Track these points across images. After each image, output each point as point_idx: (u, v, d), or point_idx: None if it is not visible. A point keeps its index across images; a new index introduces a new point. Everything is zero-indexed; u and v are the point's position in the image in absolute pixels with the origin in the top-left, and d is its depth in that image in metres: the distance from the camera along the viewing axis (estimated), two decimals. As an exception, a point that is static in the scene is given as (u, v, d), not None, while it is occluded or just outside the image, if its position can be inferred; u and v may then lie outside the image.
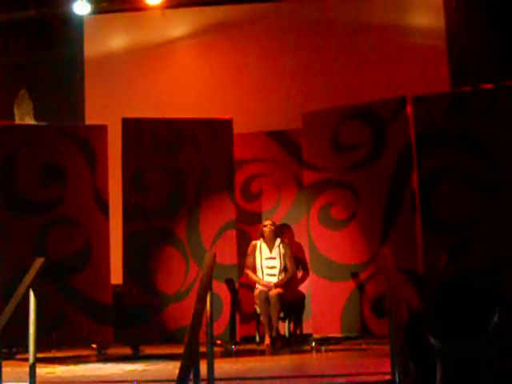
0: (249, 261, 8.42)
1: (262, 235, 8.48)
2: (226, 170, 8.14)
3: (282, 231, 8.61)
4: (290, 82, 10.12)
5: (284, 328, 8.31)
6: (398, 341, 4.87)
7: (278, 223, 8.69)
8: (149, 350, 8.11)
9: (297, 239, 8.74)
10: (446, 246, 7.12)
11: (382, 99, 8.10)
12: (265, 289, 8.16)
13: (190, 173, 8.08)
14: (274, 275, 8.33)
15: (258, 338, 8.39)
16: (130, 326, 7.81)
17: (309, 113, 8.34)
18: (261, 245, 8.45)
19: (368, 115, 8.03)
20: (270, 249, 8.41)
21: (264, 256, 8.39)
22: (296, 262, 8.54)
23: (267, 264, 8.35)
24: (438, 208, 7.36)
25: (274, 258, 8.37)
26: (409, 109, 7.78)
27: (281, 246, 8.41)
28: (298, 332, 8.48)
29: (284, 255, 8.37)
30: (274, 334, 8.02)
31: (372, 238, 7.74)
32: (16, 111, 10.00)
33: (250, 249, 8.46)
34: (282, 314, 8.16)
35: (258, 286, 8.28)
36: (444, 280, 1.73)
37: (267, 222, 8.50)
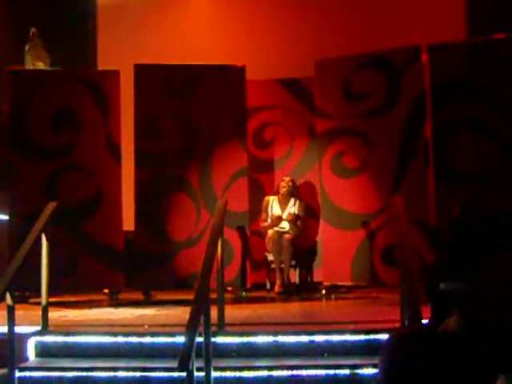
0: (262, 216, 8.42)
1: (277, 192, 8.46)
2: (238, 118, 8.10)
3: (298, 190, 8.56)
4: (304, 28, 9.99)
5: (295, 275, 8.36)
6: (409, 289, 4.89)
7: (290, 170, 8.68)
8: (160, 296, 8.18)
9: (308, 187, 8.72)
10: (460, 197, 7.08)
11: (396, 47, 7.98)
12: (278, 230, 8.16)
13: (202, 120, 8.05)
14: (285, 227, 8.33)
15: (268, 285, 8.45)
16: (142, 271, 7.87)
17: (322, 60, 8.25)
18: (273, 203, 8.42)
19: (382, 63, 7.93)
20: (283, 209, 8.39)
21: (276, 213, 8.36)
22: (307, 210, 8.55)
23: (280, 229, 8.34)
24: (452, 159, 7.31)
25: (285, 220, 8.34)
26: (424, 57, 7.67)
27: (294, 207, 8.37)
28: (309, 280, 8.53)
29: (296, 215, 8.34)
30: (285, 279, 8.06)
31: (383, 188, 7.71)
32: (27, 56, 9.92)
33: (263, 204, 8.45)
34: (293, 262, 8.20)
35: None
36: (460, 228, 1.75)
37: (286, 179, 8.46)
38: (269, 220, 8.38)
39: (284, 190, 8.39)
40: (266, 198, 8.51)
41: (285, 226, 8.30)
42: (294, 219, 8.31)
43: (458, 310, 1.74)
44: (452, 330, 1.76)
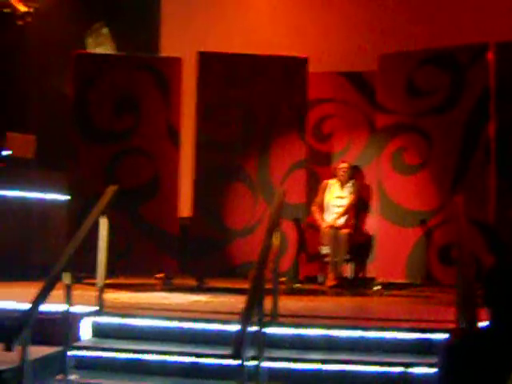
0: (318, 197, 8.40)
1: (334, 174, 8.45)
2: (298, 109, 8.07)
3: (354, 173, 8.55)
4: (369, 22, 9.91)
5: (348, 270, 8.31)
6: (465, 290, 4.82)
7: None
8: (213, 283, 8.22)
9: (366, 182, 8.66)
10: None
11: (462, 44, 7.87)
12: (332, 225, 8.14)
13: (262, 110, 8.05)
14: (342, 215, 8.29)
15: (321, 279, 8.43)
16: (196, 258, 7.91)
17: (386, 55, 8.16)
18: (333, 183, 8.43)
19: (447, 60, 7.82)
20: (342, 187, 8.38)
21: (334, 194, 8.37)
22: (362, 204, 8.51)
23: (336, 203, 8.33)
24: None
25: (343, 198, 8.33)
26: (490, 55, 7.54)
27: (353, 186, 8.37)
28: (362, 275, 8.47)
29: (353, 194, 8.35)
30: (338, 274, 8.03)
31: (442, 186, 7.62)
32: (89, 41, 10.06)
33: (321, 186, 8.45)
34: (347, 256, 8.15)
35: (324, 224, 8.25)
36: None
37: (343, 165, 8.44)
38: (325, 203, 8.33)
39: (342, 174, 8.36)
40: (326, 180, 8.49)
41: (341, 220, 8.26)
42: (349, 207, 8.29)
43: None
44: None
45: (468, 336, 1.95)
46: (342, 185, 8.41)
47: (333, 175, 8.51)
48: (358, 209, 8.47)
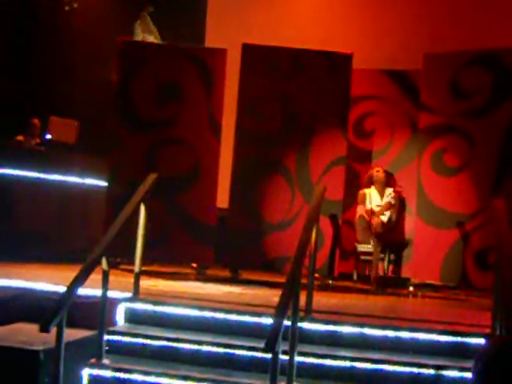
0: (361, 208, 8.38)
1: (371, 182, 8.40)
2: (341, 105, 8.04)
3: (389, 179, 8.52)
4: (416, 20, 9.83)
5: (383, 269, 8.29)
6: (504, 296, 4.77)
7: (388, 164, 8.61)
8: (246, 275, 8.25)
9: (405, 182, 8.61)
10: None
11: (508, 46, 7.78)
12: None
13: (305, 104, 8.03)
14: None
15: (355, 276, 8.41)
16: (232, 249, 7.94)
17: (432, 54, 8.10)
18: (370, 192, 8.37)
19: (492, 62, 7.73)
20: (381, 196, 8.34)
21: (374, 203, 8.32)
22: (401, 205, 8.48)
23: (377, 210, 8.29)
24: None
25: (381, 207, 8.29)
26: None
27: (390, 196, 8.32)
28: (397, 275, 8.43)
29: (393, 206, 8.31)
30: (374, 272, 8.01)
31: (483, 189, 7.54)
32: (136, 30, 10.12)
33: (359, 197, 8.43)
34: (382, 255, 8.12)
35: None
36: None
37: (377, 168, 8.42)
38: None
39: (380, 177, 8.33)
40: (362, 191, 8.46)
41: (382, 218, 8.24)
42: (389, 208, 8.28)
43: None
44: None
45: (507, 344, 1.92)
46: (381, 192, 8.36)
47: (369, 183, 8.46)
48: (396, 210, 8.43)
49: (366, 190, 8.45)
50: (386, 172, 8.46)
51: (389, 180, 8.51)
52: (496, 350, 1.89)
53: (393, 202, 8.32)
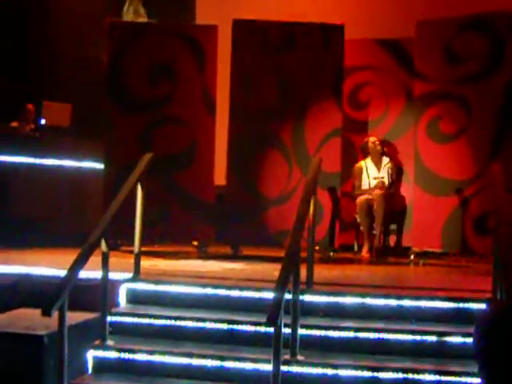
0: (356, 184, 8.36)
1: (366, 152, 8.38)
2: (334, 77, 7.99)
3: (385, 147, 8.49)
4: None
5: (384, 238, 8.29)
6: (502, 261, 4.78)
7: (384, 133, 8.59)
8: (247, 251, 8.25)
9: (402, 150, 8.59)
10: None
11: (501, 11, 7.71)
12: (368, 196, 8.10)
13: (298, 77, 7.99)
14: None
15: (356, 247, 8.42)
16: (231, 226, 7.93)
17: (424, 21, 8.03)
18: (366, 165, 8.35)
19: (486, 26, 7.67)
20: (378, 168, 8.32)
21: (372, 175, 8.29)
22: (399, 173, 8.48)
23: (375, 183, 8.27)
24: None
25: (383, 178, 8.27)
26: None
27: (388, 166, 8.30)
28: (397, 244, 8.44)
29: (391, 175, 8.30)
30: (375, 243, 8.00)
31: (480, 155, 7.52)
32: (126, 9, 10.03)
33: (355, 172, 8.39)
34: (382, 228, 8.11)
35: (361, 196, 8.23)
36: None
37: (372, 139, 8.39)
38: (366, 185, 8.29)
39: (374, 147, 8.31)
40: (358, 164, 8.42)
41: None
42: (387, 185, 8.26)
43: None
44: None
45: (507, 308, 1.91)
46: (378, 163, 8.33)
47: (362, 153, 8.44)
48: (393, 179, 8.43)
49: (362, 163, 8.41)
50: (382, 142, 8.43)
51: (385, 147, 8.48)
52: (495, 315, 1.89)
53: (388, 179, 8.28)
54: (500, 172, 5.91)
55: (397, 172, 8.44)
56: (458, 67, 7.72)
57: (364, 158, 8.49)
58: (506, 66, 7.45)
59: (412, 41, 8.15)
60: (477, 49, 7.63)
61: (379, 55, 8.80)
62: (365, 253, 8.02)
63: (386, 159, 8.39)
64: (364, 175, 8.34)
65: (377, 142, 8.37)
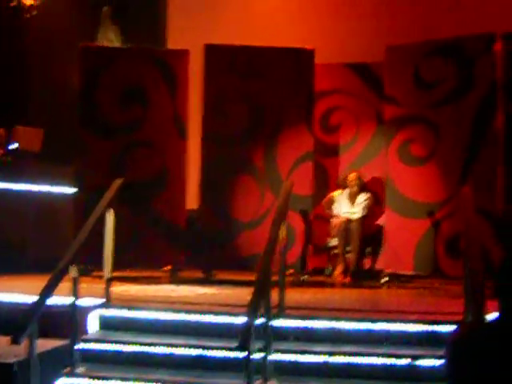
0: (325, 211, 8.36)
1: (344, 186, 8.36)
2: (305, 101, 8.04)
3: (364, 185, 8.44)
4: (376, 13, 9.87)
5: (357, 261, 8.29)
6: (473, 282, 4.81)
7: (355, 157, 8.62)
8: (220, 275, 8.22)
9: (373, 174, 8.63)
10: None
11: (469, 35, 7.81)
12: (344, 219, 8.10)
13: (269, 102, 8.02)
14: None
15: (328, 271, 8.42)
16: (203, 250, 7.91)
17: (393, 46, 8.10)
18: (340, 198, 8.31)
19: (454, 51, 7.76)
20: (353, 203, 8.29)
21: (344, 210, 8.27)
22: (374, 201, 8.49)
23: (347, 216, 8.25)
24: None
25: (354, 214, 8.26)
26: (498, 46, 7.48)
27: (364, 203, 8.27)
28: (371, 267, 8.44)
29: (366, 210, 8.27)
30: (350, 266, 7.99)
31: (450, 178, 7.57)
32: (100, 33, 10.04)
33: (327, 201, 8.35)
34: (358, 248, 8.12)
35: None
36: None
37: (353, 175, 8.32)
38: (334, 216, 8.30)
39: (354, 185, 8.27)
40: (331, 194, 8.41)
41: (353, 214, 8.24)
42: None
43: None
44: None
45: (475, 329, 1.93)
46: (352, 199, 8.33)
47: (342, 187, 8.43)
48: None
49: (335, 194, 8.40)
50: (360, 180, 8.37)
51: (365, 184, 8.44)
52: (463, 337, 1.90)
53: (364, 212, 8.25)
54: (470, 194, 5.96)
55: (373, 205, 8.37)
56: (427, 91, 7.80)
57: (340, 189, 8.45)
58: (474, 90, 7.53)
59: (382, 65, 8.22)
60: (445, 73, 7.70)
61: (349, 79, 8.86)
62: (338, 274, 8.01)
63: (363, 196, 8.34)
64: (336, 206, 8.30)
65: (355, 180, 8.31)
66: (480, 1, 9.54)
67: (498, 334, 1.84)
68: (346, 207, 8.29)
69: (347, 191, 8.36)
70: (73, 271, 5.11)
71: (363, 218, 8.18)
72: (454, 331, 1.94)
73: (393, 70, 8.02)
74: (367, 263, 8.43)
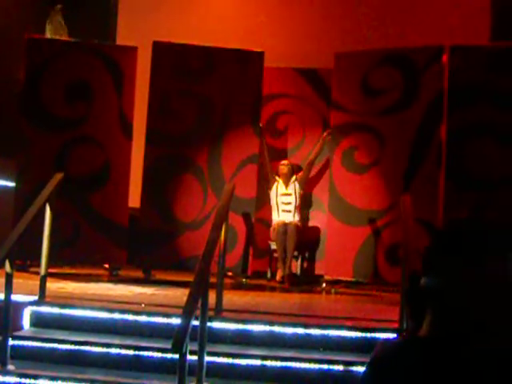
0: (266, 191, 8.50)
1: (278, 173, 8.46)
2: (252, 104, 8.02)
3: (297, 169, 8.58)
4: (327, 20, 9.92)
5: (296, 266, 8.33)
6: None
7: (301, 161, 8.67)
8: (160, 276, 8.16)
9: (318, 179, 8.68)
10: (469, 201, 7.03)
11: (418, 46, 7.90)
12: (284, 221, 8.16)
13: (216, 103, 7.99)
14: (290, 211, 8.31)
15: (269, 274, 8.43)
16: (144, 249, 7.83)
17: (342, 53, 8.16)
18: (277, 184, 8.42)
19: (402, 61, 7.83)
20: (286, 185, 8.40)
21: (280, 192, 8.38)
22: (312, 201, 8.57)
23: (282, 200, 8.35)
24: (465, 163, 7.23)
25: (290, 195, 8.35)
26: (445, 58, 7.58)
27: (296, 182, 8.39)
28: (310, 272, 8.49)
29: (299, 192, 8.38)
30: (286, 270, 8.02)
31: (393, 186, 7.64)
32: (48, 26, 9.89)
33: (271, 172, 8.56)
34: (295, 253, 8.16)
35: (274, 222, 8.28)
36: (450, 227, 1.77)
37: (284, 162, 8.48)
38: (273, 202, 8.40)
39: (285, 169, 8.40)
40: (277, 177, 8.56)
41: (287, 217, 8.27)
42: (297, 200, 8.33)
43: (431, 310, 1.69)
44: (425, 335, 1.70)
45: (395, 346, 1.85)
46: (286, 182, 8.41)
47: (276, 174, 8.52)
48: (303, 204, 8.51)
49: (278, 179, 8.53)
50: (291, 164, 8.50)
51: (296, 169, 8.58)
52: (380, 354, 1.85)
53: (295, 196, 8.39)
54: (409, 203, 6.02)
55: (307, 199, 8.52)
56: (373, 99, 7.86)
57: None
58: (419, 101, 7.61)
59: (330, 72, 8.26)
60: (392, 82, 7.78)
61: (298, 84, 8.89)
62: (278, 278, 8.03)
63: (294, 177, 8.46)
64: (272, 191, 8.40)
65: (285, 165, 8.43)
66: (430, 13, 9.65)
67: (406, 348, 1.79)
68: (282, 189, 8.39)
69: (281, 178, 8.45)
70: (7, 266, 5.00)
71: (300, 222, 8.26)
72: (375, 348, 1.89)
73: (341, 77, 8.07)
74: (306, 268, 8.47)
